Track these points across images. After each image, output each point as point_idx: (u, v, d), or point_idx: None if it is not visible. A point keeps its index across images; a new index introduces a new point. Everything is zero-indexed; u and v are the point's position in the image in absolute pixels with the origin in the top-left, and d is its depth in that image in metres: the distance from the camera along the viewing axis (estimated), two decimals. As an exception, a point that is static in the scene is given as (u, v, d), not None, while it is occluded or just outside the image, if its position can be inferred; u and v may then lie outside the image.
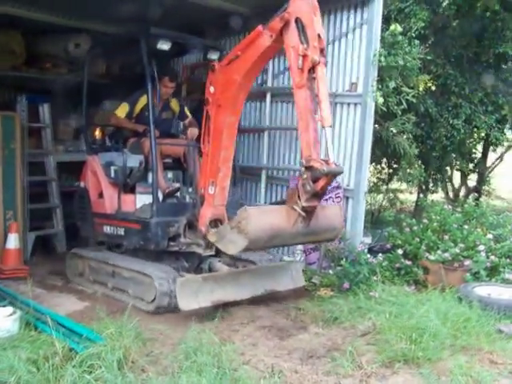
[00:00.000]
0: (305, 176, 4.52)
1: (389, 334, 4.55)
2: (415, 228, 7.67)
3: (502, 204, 11.33)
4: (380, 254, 6.99)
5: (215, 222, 5.61)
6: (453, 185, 12.51)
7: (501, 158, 13.47)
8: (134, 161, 6.37)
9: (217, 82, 5.38)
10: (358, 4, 6.93)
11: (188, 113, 7.31)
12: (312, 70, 4.56)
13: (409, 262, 6.95)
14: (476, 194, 11.37)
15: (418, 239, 7.38)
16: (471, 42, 9.07)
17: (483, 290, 5.91)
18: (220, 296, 5.29)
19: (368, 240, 7.56)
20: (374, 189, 10.68)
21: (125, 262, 6.01)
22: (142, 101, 6.71)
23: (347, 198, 7.26)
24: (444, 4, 7.15)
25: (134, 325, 4.42)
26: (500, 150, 12.61)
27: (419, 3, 7.54)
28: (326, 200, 6.96)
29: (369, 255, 6.86)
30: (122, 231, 6.22)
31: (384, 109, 7.10)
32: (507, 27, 8.65)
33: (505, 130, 10.47)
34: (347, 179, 7.21)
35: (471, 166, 11.88)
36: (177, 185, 6.40)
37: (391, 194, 11.44)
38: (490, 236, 7.22)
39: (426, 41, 8.47)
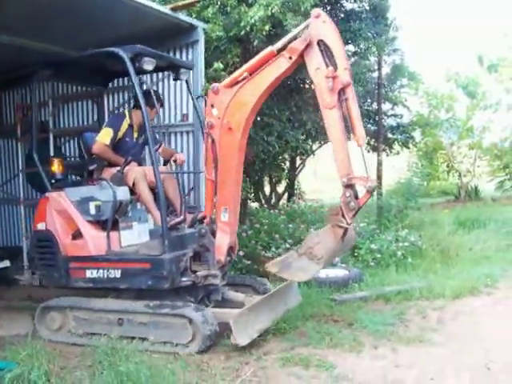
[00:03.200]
0: (347, 194, 4.59)
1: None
2: (249, 232, 8.96)
3: (312, 204, 13.09)
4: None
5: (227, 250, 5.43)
6: (264, 192, 14.09)
7: (303, 164, 15.47)
8: (122, 194, 5.75)
9: (221, 105, 5.14)
10: (183, 46, 7.80)
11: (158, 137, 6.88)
12: (342, 91, 4.68)
13: (249, 262, 8.04)
14: (293, 198, 13.12)
15: (253, 242, 8.68)
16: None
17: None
18: (261, 324, 5.11)
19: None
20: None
21: (136, 306, 5.34)
22: (125, 125, 6.28)
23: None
24: (255, 43, 8.41)
25: (40, 346, 4.72)
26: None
27: (232, 41, 8.75)
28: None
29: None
30: (117, 273, 5.49)
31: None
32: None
33: (309, 142, 12.28)
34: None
35: (284, 174, 13.66)
36: (181, 217, 5.80)
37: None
38: (311, 230, 8.74)
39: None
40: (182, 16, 7.28)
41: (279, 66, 4.90)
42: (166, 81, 8.08)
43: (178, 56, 7.90)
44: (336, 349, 4.83)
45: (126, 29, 6.87)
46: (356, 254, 8.34)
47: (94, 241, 5.65)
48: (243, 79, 5.04)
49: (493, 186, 20.64)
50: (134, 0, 6.30)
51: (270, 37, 8.73)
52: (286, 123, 10.34)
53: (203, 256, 5.47)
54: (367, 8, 11.38)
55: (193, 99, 6.83)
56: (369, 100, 16.09)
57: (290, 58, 4.81)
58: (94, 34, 6.84)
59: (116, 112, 6.66)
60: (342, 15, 11.17)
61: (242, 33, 8.44)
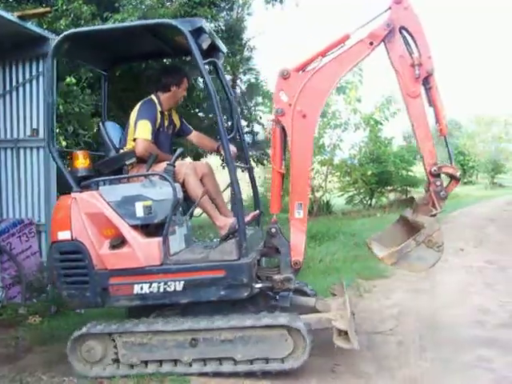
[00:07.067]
0: (438, 183, 4.67)
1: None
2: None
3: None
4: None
5: None
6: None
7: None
8: (178, 191, 4.98)
9: (293, 90, 4.77)
10: (32, 57, 7.38)
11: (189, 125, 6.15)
12: (425, 79, 4.68)
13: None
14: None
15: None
16: (129, 88, 10.45)
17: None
18: (354, 326, 4.78)
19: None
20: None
21: (215, 322, 4.62)
22: (158, 114, 5.40)
23: (40, 232, 7.51)
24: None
25: None
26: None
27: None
28: (20, 237, 7.31)
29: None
30: (178, 286, 4.65)
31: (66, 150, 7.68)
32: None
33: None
34: (37, 215, 7.49)
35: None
36: (253, 212, 5.32)
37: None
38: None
39: (97, 89, 9.60)
40: (32, 26, 6.98)
41: (359, 51, 4.76)
42: (14, 93, 7.67)
43: (27, 69, 7.51)
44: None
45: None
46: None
47: (144, 249, 4.74)
48: (316, 64, 4.82)
49: (343, 201, 21.79)
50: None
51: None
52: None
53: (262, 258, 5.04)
54: (223, 28, 11.74)
55: (222, 81, 5.90)
56: (224, 117, 16.33)
57: (371, 43, 4.70)
58: None
59: (143, 101, 5.59)
60: (198, 33, 11.37)
61: (96, 47, 8.35)
